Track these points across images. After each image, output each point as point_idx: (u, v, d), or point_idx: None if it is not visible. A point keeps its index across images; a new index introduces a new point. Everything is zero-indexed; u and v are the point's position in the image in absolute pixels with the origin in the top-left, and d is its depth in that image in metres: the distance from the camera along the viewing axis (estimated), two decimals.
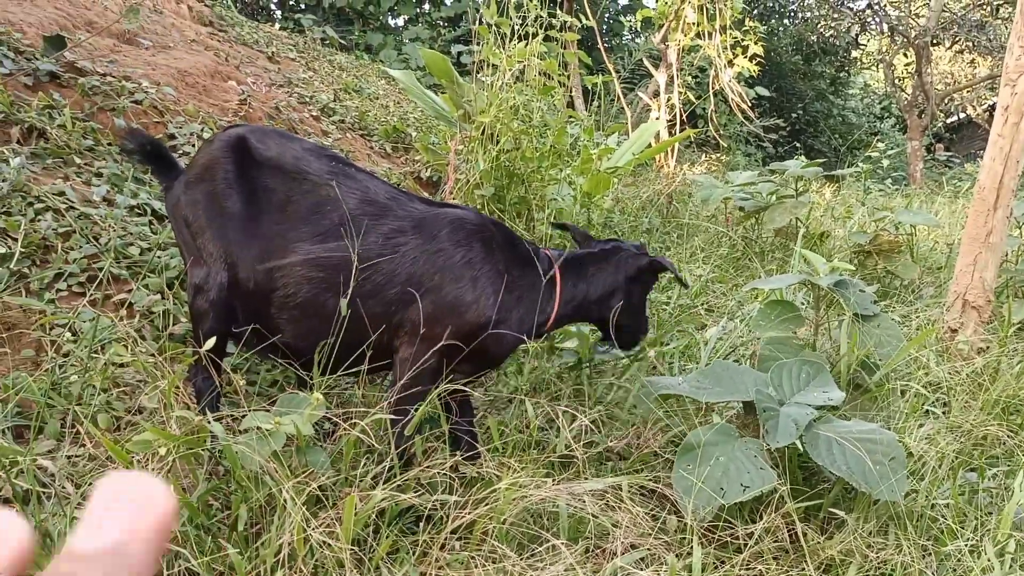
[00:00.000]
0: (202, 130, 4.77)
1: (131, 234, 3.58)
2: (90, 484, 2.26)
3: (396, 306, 2.63)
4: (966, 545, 2.48)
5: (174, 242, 3.55)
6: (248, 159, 2.64)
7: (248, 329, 2.64)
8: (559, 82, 5.08)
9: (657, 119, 7.88)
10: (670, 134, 8.38)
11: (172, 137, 4.60)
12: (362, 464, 2.26)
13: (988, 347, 4.23)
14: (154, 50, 5.94)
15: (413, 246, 2.68)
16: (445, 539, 2.22)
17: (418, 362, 2.59)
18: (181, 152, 4.48)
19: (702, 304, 4.97)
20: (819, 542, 2.51)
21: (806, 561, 2.38)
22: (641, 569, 2.18)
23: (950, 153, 21.05)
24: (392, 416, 2.52)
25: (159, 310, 3.25)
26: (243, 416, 2.13)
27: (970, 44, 16.31)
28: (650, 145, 6.56)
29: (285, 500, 1.87)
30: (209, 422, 2.06)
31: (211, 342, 2.31)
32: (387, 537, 2.13)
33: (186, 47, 6.51)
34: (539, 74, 4.90)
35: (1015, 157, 4.06)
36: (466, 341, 2.66)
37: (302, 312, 2.59)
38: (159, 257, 3.50)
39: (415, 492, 2.28)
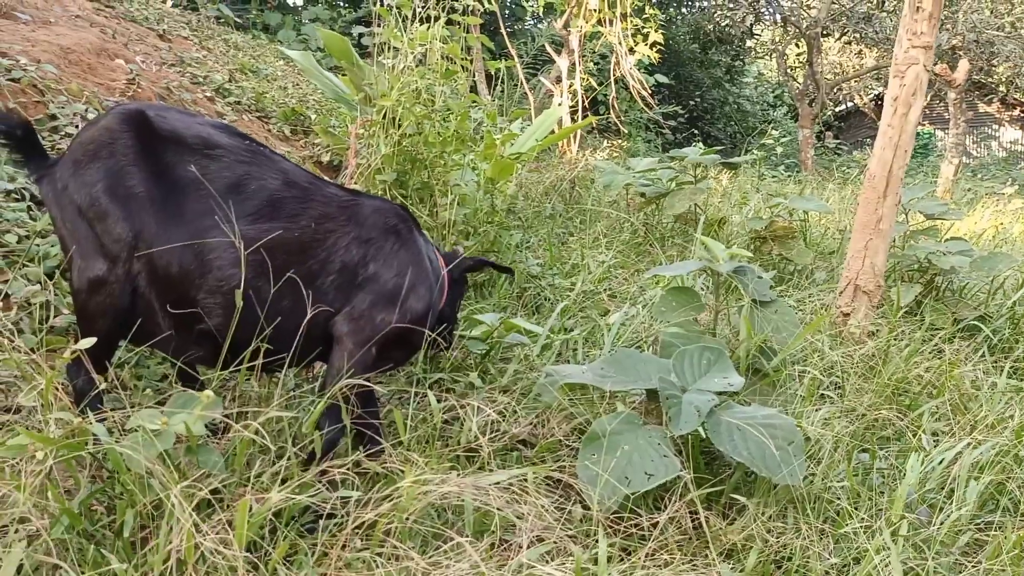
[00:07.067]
0: (86, 110, 4.52)
1: (7, 220, 3.35)
2: None
3: (331, 295, 2.57)
4: (861, 526, 2.54)
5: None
6: (150, 134, 2.44)
7: (137, 324, 2.47)
8: (462, 66, 5.00)
9: (560, 105, 7.87)
10: (572, 120, 8.39)
11: (54, 118, 4.34)
12: (257, 464, 2.17)
13: (878, 330, 4.36)
14: (34, 25, 5.60)
15: (343, 233, 2.61)
16: (346, 538, 2.15)
17: (360, 353, 2.54)
18: (63, 134, 4.23)
19: (605, 290, 5.00)
20: (721, 528, 2.53)
21: (709, 548, 2.39)
22: (547, 563, 2.15)
23: (839, 141, 21.85)
24: (330, 410, 2.48)
25: (38, 301, 3.06)
26: (129, 416, 2.01)
27: (858, 35, 16.90)
28: (553, 131, 6.55)
29: (173, 505, 1.76)
30: (91, 423, 1.93)
31: (88, 342, 2.12)
32: (284, 539, 2.04)
33: (69, 22, 6.17)
34: (442, 57, 4.80)
35: (903, 147, 4.19)
36: (404, 330, 2.63)
37: (236, 297, 2.43)
38: (38, 245, 3.29)
39: (315, 490, 2.19)
